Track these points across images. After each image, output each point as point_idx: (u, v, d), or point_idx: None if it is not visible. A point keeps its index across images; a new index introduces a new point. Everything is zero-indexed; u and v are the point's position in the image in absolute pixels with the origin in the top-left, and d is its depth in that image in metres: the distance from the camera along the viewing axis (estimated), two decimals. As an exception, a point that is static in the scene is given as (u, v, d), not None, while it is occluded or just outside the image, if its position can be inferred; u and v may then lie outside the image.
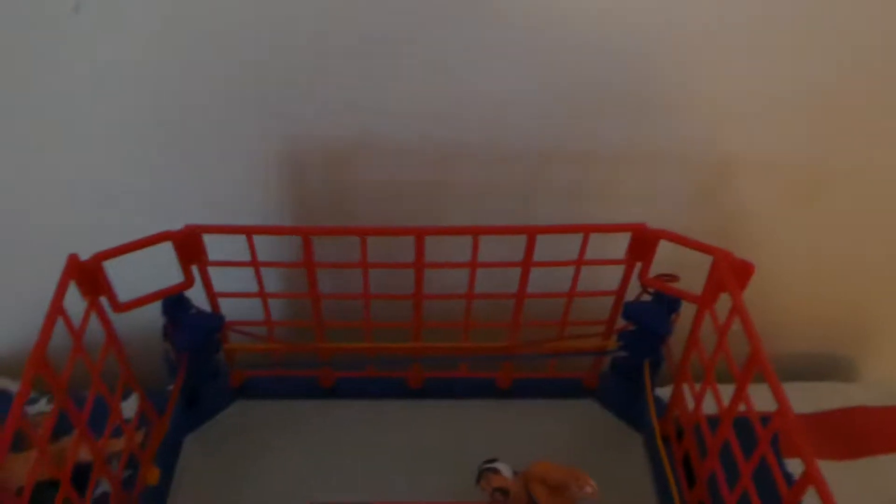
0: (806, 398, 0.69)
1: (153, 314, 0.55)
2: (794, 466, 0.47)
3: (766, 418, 0.45)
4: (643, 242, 0.53)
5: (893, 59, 0.58)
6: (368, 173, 0.62)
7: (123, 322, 0.51)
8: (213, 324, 0.57)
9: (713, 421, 0.51)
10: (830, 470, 0.43)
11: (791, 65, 0.57)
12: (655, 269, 0.55)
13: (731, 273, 0.49)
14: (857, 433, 0.66)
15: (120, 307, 0.51)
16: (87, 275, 0.48)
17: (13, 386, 0.72)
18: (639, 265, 0.55)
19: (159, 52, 0.55)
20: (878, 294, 0.76)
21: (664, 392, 0.61)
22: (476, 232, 0.53)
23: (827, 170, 0.64)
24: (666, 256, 0.54)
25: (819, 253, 0.71)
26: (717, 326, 0.50)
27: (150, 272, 0.51)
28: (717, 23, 0.55)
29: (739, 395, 0.47)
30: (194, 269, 0.54)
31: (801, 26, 0.55)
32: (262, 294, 0.56)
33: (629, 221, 0.54)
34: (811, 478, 0.38)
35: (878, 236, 0.70)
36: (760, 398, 0.46)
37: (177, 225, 0.52)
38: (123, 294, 0.51)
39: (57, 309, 0.44)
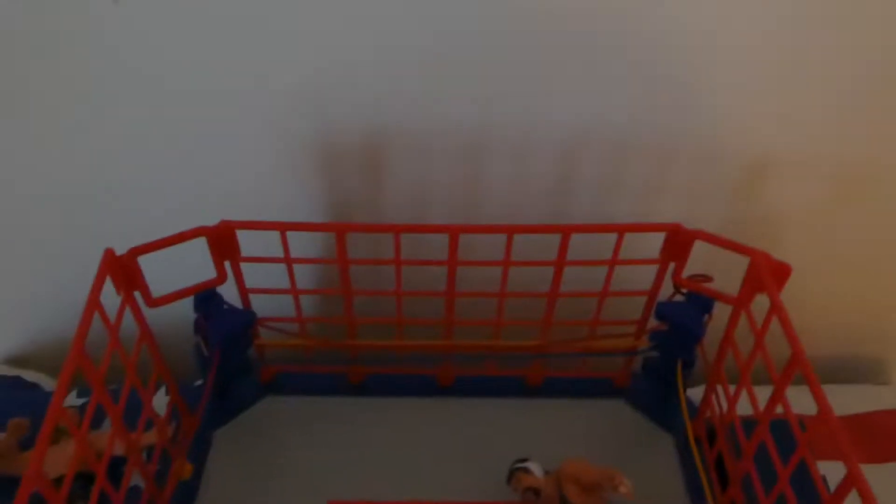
0: (835, 401, 0.66)
1: (184, 310, 0.55)
2: (827, 469, 0.47)
3: (801, 421, 0.44)
4: (678, 242, 0.53)
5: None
6: (399, 170, 0.62)
7: (154, 317, 0.52)
8: (245, 319, 0.57)
9: (746, 423, 0.51)
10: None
11: (825, 65, 0.57)
12: (691, 266, 0.55)
13: (769, 273, 0.48)
14: (887, 436, 0.66)
15: (154, 302, 0.51)
16: (123, 269, 0.48)
17: (41, 380, 0.72)
18: (672, 265, 0.55)
19: (187, 47, 0.55)
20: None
21: (694, 393, 0.61)
22: (511, 231, 0.53)
23: (862, 171, 0.63)
24: (696, 257, 0.54)
25: (849, 256, 0.70)
26: (754, 328, 0.49)
27: (178, 269, 0.51)
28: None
29: (778, 397, 0.46)
30: (226, 265, 0.54)
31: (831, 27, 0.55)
32: (293, 291, 0.56)
33: (662, 220, 0.53)
34: (854, 480, 0.38)
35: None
36: (793, 400, 0.46)
37: (205, 221, 0.52)
38: (156, 284, 0.51)
39: (94, 303, 0.44)
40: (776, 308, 0.46)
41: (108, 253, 0.48)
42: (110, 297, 0.47)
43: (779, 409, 0.47)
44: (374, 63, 0.55)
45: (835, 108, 0.59)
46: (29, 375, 0.73)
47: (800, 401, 0.45)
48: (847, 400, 0.69)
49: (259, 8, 0.53)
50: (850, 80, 0.57)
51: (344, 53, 0.55)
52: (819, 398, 0.42)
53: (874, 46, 0.56)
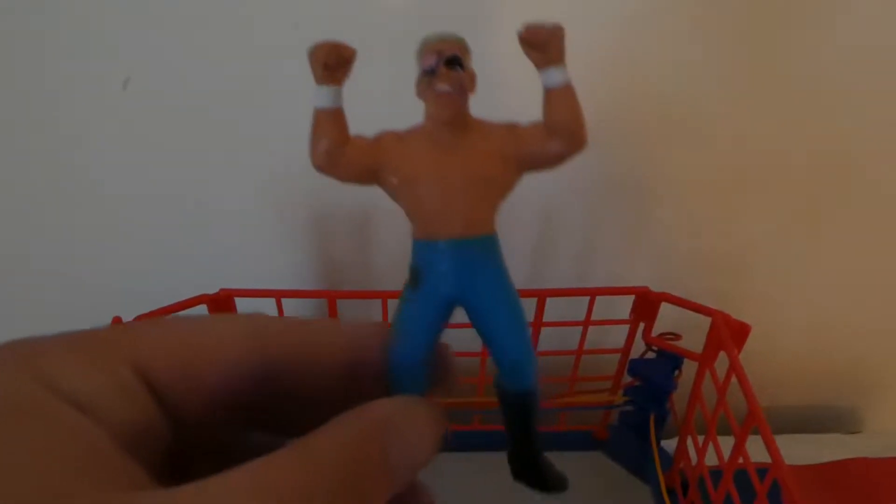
0: (809, 450, 0.71)
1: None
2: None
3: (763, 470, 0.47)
4: (646, 304, 0.57)
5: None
6: (387, 235, 0.66)
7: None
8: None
9: (717, 473, 0.54)
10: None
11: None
12: (662, 323, 0.58)
13: (728, 334, 0.52)
14: (860, 484, 0.68)
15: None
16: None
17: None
18: (642, 325, 0.58)
19: (185, 123, 0.60)
20: (879, 346, 0.78)
21: (671, 444, 0.64)
22: (490, 295, 0.56)
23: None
24: (671, 311, 0.57)
25: (820, 307, 0.74)
26: (717, 384, 0.53)
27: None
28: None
29: (738, 450, 0.50)
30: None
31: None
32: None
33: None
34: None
35: (877, 290, 0.73)
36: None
37: (200, 286, 0.56)
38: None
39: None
40: (734, 367, 0.50)
41: (115, 321, 0.51)
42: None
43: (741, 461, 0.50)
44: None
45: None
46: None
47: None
48: (819, 448, 0.72)
49: (254, 89, 0.57)
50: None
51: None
52: (771, 448, 0.45)
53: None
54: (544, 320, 0.58)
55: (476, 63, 0.32)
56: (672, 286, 0.61)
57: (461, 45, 0.34)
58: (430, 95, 0.33)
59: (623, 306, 0.59)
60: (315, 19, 0.55)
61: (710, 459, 0.55)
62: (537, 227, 0.65)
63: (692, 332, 0.57)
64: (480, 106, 0.33)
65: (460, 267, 0.33)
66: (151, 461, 0.23)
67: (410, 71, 0.32)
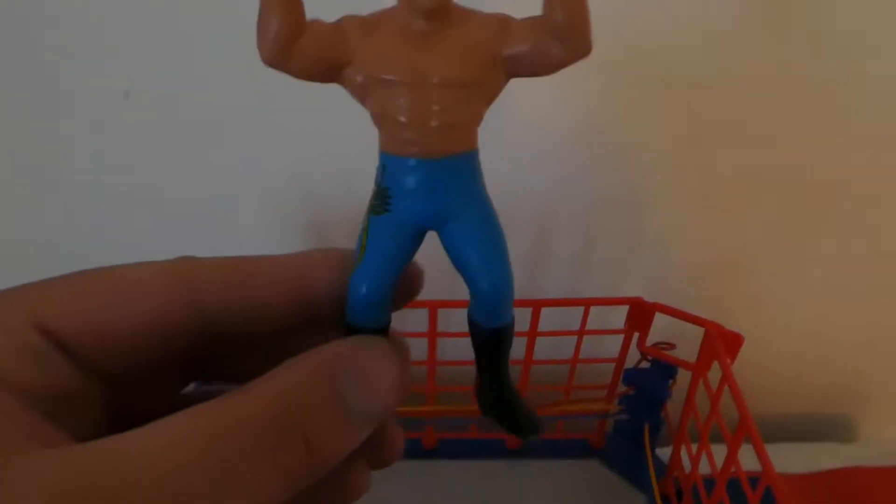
0: (804, 458, 0.71)
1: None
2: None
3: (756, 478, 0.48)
4: (640, 314, 0.57)
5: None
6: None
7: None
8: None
9: (711, 481, 0.54)
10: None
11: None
12: (657, 331, 0.59)
13: (721, 344, 0.52)
14: (855, 493, 0.69)
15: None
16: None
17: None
18: (637, 334, 0.59)
19: (185, 138, 0.60)
20: (874, 354, 0.79)
21: (667, 452, 0.64)
22: (486, 305, 0.57)
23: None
24: (666, 320, 0.58)
25: (814, 315, 0.75)
26: (710, 394, 0.53)
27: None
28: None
29: (731, 459, 0.50)
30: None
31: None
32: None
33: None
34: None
35: (870, 298, 0.74)
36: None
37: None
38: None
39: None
40: (726, 378, 0.50)
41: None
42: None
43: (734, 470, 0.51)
44: (364, 150, 0.60)
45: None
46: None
47: (772, 457, 0.48)
48: (814, 457, 0.72)
49: (254, 104, 0.58)
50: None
51: (335, 144, 0.60)
52: (762, 458, 0.46)
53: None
54: (539, 330, 0.58)
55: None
56: (666, 295, 0.62)
57: None
58: None
59: (617, 316, 0.60)
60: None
61: (704, 468, 0.55)
62: (532, 237, 0.66)
63: (687, 340, 0.58)
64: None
65: (435, 188, 0.30)
66: (86, 423, 0.22)
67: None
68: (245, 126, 0.60)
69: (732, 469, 0.50)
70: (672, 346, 0.59)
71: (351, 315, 0.28)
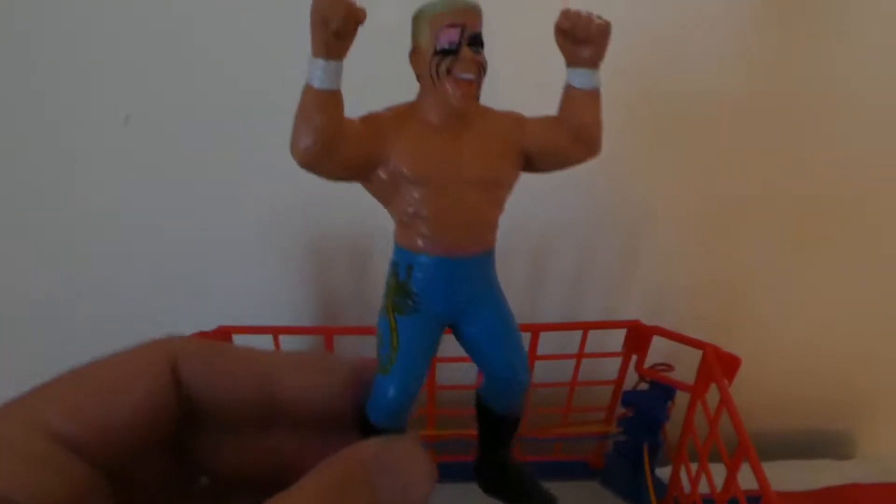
0: (803, 476, 0.71)
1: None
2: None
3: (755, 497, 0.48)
4: (638, 337, 0.58)
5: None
6: (385, 270, 0.67)
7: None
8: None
9: (711, 501, 0.54)
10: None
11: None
12: (656, 350, 0.59)
13: (718, 367, 0.53)
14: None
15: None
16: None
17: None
18: (635, 357, 0.59)
19: (187, 168, 0.61)
20: (871, 371, 0.79)
21: (666, 472, 0.64)
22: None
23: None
24: (664, 340, 0.58)
25: (811, 333, 0.75)
26: (708, 416, 0.53)
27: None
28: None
29: (731, 481, 0.50)
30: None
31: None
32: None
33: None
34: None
35: (866, 315, 0.74)
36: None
37: (205, 319, 0.56)
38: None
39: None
40: (724, 401, 0.50)
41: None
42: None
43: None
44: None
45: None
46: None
47: (771, 476, 0.48)
48: (813, 474, 0.72)
49: (254, 128, 0.59)
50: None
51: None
52: (760, 480, 0.46)
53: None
54: (538, 353, 0.59)
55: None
56: (664, 315, 0.63)
57: (481, 15, 0.30)
58: (448, 81, 0.29)
59: (616, 338, 0.60)
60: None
61: (704, 487, 0.55)
62: (529, 262, 0.66)
63: (686, 360, 0.58)
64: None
65: (462, 285, 0.30)
66: None
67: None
68: (244, 151, 0.60)
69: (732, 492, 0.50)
70: (670, 367, 0.60)
71: (375, 416, 0.28)
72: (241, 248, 0.65)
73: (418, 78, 0.30)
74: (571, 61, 0.32)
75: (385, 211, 0.35)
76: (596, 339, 0.60)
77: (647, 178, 0.64)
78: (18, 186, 0.62)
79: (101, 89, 0.58)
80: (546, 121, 0.32)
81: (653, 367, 0.59)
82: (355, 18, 0.26)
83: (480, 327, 0.31)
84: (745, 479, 0.50)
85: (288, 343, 0.58)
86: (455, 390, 0.60)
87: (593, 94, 0.32)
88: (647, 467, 0.61)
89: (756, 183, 0.64)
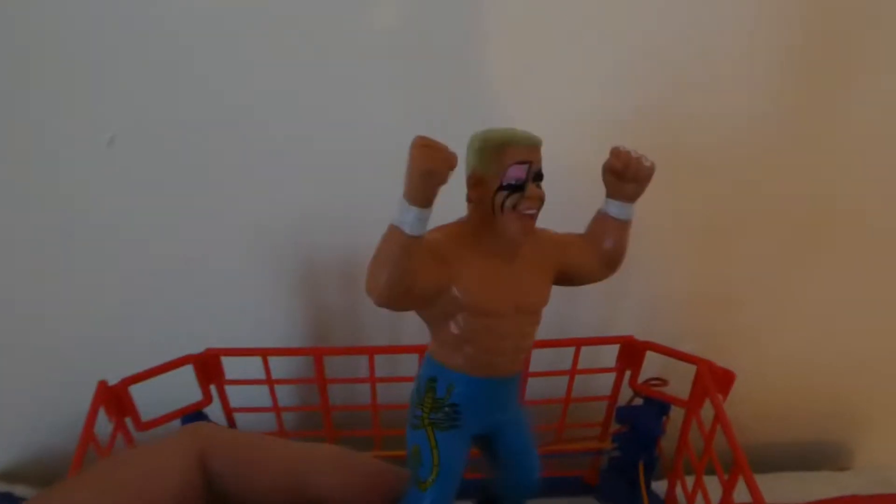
0: (799, 488, 0.71)
1: (173, 427, 0.58)
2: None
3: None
4: (631, 353, 0.57)
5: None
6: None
7: (145, 436, 0.55)
8: (230, 438, 0.60)
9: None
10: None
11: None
12: (651, 364, 0.59)
13: (712, 382, 0.52)
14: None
15: (143, 426, 0.54)
16: (115, 398, 0.52)
17: (18, 490, 0.74)
18: (629, 372, 0.59)
19: (177, 190, 0.60)
20: (866, 382, 0.79)
21: (663, 485, 0.64)
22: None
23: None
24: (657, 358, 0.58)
25: (806, 345, 0.75)
26: (703, 432, 0.53)
27: (166, 389, 0.54)
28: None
29: (727, 499, 0.50)
30: (212, 387, 0.57)
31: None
32: (276, 408, 0.60)
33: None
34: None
35: (861, 327, 0.74)
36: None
37: (191, 344, 0.56)
38: (145, 406, 0.54)
39: (89, 436, 0.47)
40: (719, 417, 0.50)
41: (102, 385, 0.51)
42: (102, 419, 0.51)
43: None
44: (357, 196, 0.60)
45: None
46: (19, 491, 0.74)
47: (768, 489, 0.48)
48: (809, 486, 0.72)
49: (245, 158, 0.58)
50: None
51: (329, 189, 0.60)
52: (753, 492, 0.45)
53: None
54: (532, 370, 0.58)
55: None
56: (657, 329, 0.62)
57: (540, 149, 0.31)
58: (511, 216, 0.30)
59: (609, 353, 0.60)
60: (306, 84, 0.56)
61: (701, 502, 0.55)
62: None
63: (681, 374, 0.57)
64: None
65: (501, 402, 0.33)
66: None
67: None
68: (232, 170, 0.59)
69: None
70: (665, 382, 0.59)
71: None
72: (229, 269, 0.64)
73: (471, 201, 0.31)
74: (613, 194, 0.34)
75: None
76: (590, 355, 0.59)
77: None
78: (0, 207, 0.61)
79: (87, 109, 0.57)
80: (581, 244, 0.35)
81: (647, 382, 0.59)
82: (452, 166, 0.27)
83: (519, 440, 0.34)
84: (742, 493, 0.49)
85: (277, 364, 0.57)
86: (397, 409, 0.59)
87: (627, 225, 0.35)
88: (642, 484, 0.60)
89: (749, 198, 0.64)
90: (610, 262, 0.35)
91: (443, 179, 0.27)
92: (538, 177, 0.30)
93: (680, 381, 0.58)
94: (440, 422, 0.30)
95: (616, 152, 0.33)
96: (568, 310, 0.67)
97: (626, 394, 0.61)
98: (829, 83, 0.59)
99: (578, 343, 0.57)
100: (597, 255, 0.34)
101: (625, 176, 0.33)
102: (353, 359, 0.59)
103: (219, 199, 0.61)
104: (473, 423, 0.31)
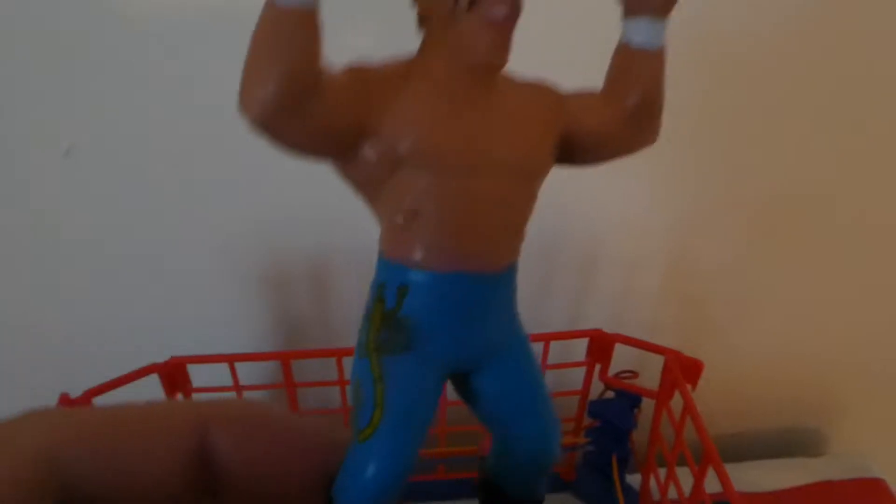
0: (773, 476, 0.71)
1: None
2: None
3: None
4: (600, 346, 0.57)
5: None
6: (345, 288, 0.66)
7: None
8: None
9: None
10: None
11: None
12: (623, 358, 0.59)
13: (680, 371, 0.52)
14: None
15: (109, 439, 0.53)
16: (78, 411, 0.51)
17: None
18: (599, 366, 0.59)
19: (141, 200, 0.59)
20: (838, 369, 0.79)
21: (637, 479, 0.64)
22: (444, 346, 0.56)
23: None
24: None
25: (778, 334, 0.75)
26: (674, 423, 0.53)
27: (136, 397, 0.53)
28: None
29: (698, 489, 0.50)
30: (179, 396, 0.57)
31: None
32: (245, 415, 0.59)
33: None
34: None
35: (832, 315, 0.74)
36: (737, 476, 0.48)
37: (161, 349, 0.55)
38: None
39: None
40: (688, 407, 0.50)
41: (63, 397, 0.50)
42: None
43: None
44: (323, 197, 0.59)
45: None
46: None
47: (743, 477, 0.48)
48: (783, 474, 0.72)
49: (211, 162, 0.57)
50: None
51: (294, 190, 0.59)
52: (725, 485, 0.45)
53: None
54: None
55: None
56: (628, 322, 0.62)
57: None
58: (471, 22, 0.20)
59: (580, 347, 0.60)
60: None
61: (674, 492, 0.55)
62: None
63: (653, 368, 0.57)
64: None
65: (479, 316, 0.23)
66: None
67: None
68: (196, 173, 0.59)
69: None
70: (635, 374, 0.59)
71: (349, 500, 0.21)
72: (193, 273, 0.63)
73: (422, 22, 0.21)
74: (631, 7, 0.23)
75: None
76: (561, 349, 0.59)
77: (609, 185, 0.63)
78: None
79: (45, 118, 0.56)
80: (590, 97, 0.24)
81: (618, 374, 0.59)
82: None
83: (503, 381, 0.24)
84: (716, 483, 0.49)
85: (244, 370, 0.57)
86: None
87: (658, 56, 0.24)
88: (616, 478, 0.60)
89: (717, 189, 0.64)
90: (641, 118, 0.24)
91: None
92: None
93: (653, 375, 0.58)
94: (387, 344, 0.21)
95: None
96: (537, 304, 0.67)
97: (598, 388, 0.61)
98: (798, 75, 0.59)
99: (547, 338, 0.57)
100: (619, 110, 0.24)
101: None
102: (329, 363, 0.58)
103: (182, 204, 0.60)
104: (440, 349, 0.22)
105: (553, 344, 0.58)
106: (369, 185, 0.21)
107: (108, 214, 0.60)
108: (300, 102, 0.18)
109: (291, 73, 0.18)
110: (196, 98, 0.55)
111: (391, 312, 0.22)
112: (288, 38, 0.18)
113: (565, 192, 0.62)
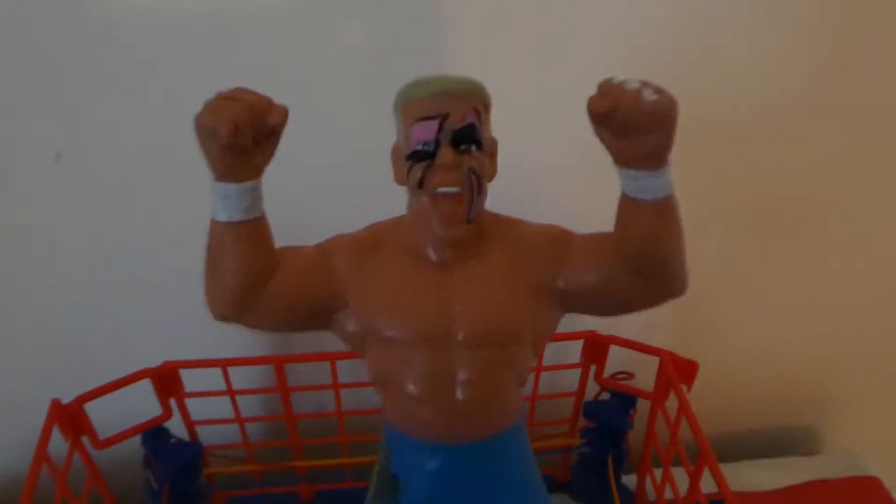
0: (769, 475, 0.71)
1: (132, 444, 0.57)
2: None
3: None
4: (595, 347, 0.57)
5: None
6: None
7: (102, 456, 0.53)
8: (192, 452, 0.59)
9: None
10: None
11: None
12: (618, 359, 0.58)
13: (675, 372, 0.52)
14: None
15: (101, 444, 0.53)
16: (69, 417, 0.50)
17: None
18: (594, 367, 0.58)
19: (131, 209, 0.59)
20: (833, 369, 0.79)
21: (632, 479, 0.63)
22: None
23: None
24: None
25: (772, 334, 0.75)
26: (669, 424, 0.53)
27: (124, 405, 0.53)
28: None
29: (693, 489, 0.50)
30: (172, 401, 0.56)
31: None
32: (238, 419, 0.59)
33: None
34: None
35: (826, 315, 0.74)
36: (731, 475, 0.48)
37: (153, 355, 0.54)
38: (103, 422, 0.53)
39: (42, 457, 0.46)
40: (683, 408, 0.50)
41: (55, 404, 0.50)
42: (57, 438, 0.49)
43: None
44: (308, 198, 0.59)
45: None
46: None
47: (738, 477, 0.47)
48: (779, 473, 0.72)
49: (200, 166, 0.57)
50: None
51: (279, 195, 0.58)
52: (721, 486, 0.45)
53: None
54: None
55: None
56: (622, 324, 0.61)
57: (477, 98, 0.20)
58: (423, 201, 0.20)
59: (575, 349, 0.59)
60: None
61: (669, 491, 0.55)
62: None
63: (649, 368, 0.57)
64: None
65: (459, 480, 0.23)
66: None
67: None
68: (186, 179, 0.58)
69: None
70: (630, 375, 0.59)
71: None
72: (185, 280, 0.62)
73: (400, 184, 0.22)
74: (617, 160, 0.21)
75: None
76: (557, 351, 0.59)
77: (605, 186, 0.63)
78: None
79: (34, 124, 0.55)
80: (595, 243, 0.21)
81: (613, 376, 0.59)
82: (257, 124, 0.18)
83: None
84: (711, 482, 0.49)
85: (237, 375, 0.56)
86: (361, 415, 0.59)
87: (653, 207, 0.21)
88: (612, 479, 0.60)
89: (710, 191, 0.64)
90: (639, 267, 0.21)
91: (234, 141, 0.18)
92: (463, 137, 0.19)
93: (648, 375, 0.58)
94: (381, 493, 0.21)
95: (603, 87, 0.21)
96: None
97: (593, 389, 0.61)
98: (794, 79, 0.59)
99: (542, 340, 0.57)
100: (624, 260, 0.21)
101: (619, 124, 0.20)
102: (322, 367, 0.58)
103: (175, 208, 0.60)
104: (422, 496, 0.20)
105: (548, 346, 0.57)
106: (353, 347, 0.22)
107: (99, 219, 0.59)
108: (252, 299, 0.19)
109: (236, 280, 0.19)
110: (185, 106, 0.55)
111: (384, 468, 0.23)
112: (230, 250, 0.19)
113: (562, 192, 0.62)
